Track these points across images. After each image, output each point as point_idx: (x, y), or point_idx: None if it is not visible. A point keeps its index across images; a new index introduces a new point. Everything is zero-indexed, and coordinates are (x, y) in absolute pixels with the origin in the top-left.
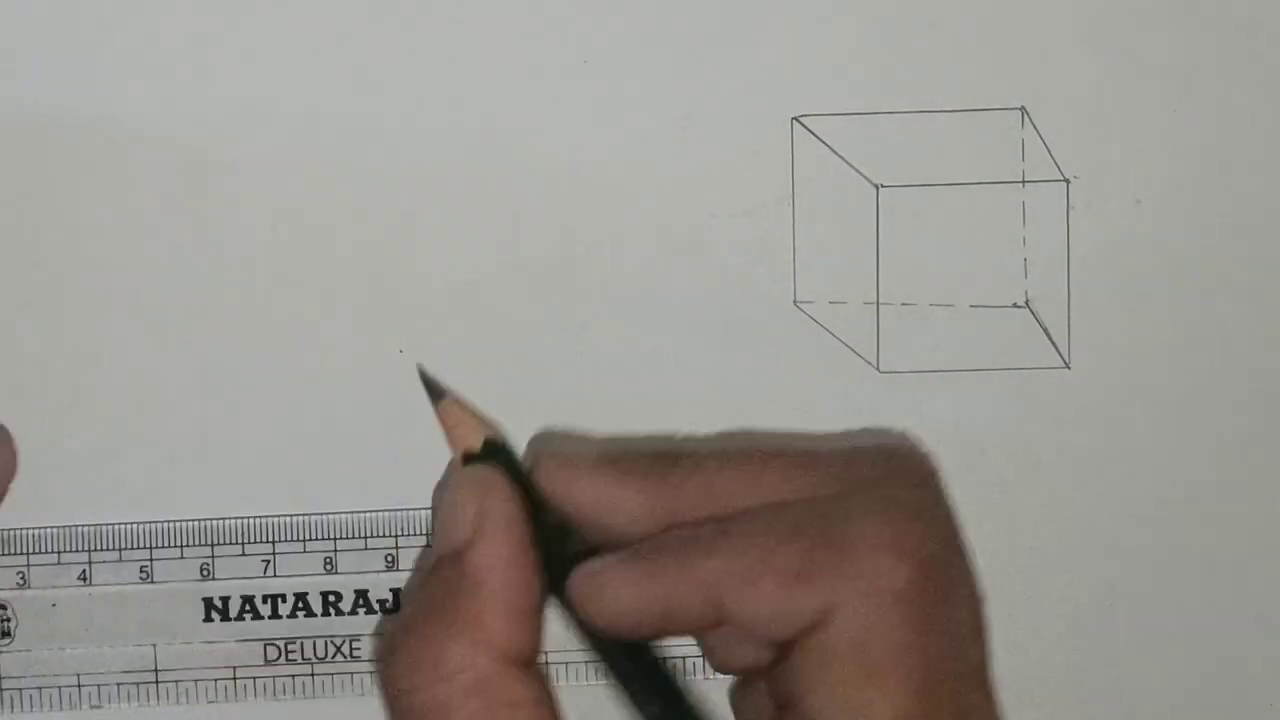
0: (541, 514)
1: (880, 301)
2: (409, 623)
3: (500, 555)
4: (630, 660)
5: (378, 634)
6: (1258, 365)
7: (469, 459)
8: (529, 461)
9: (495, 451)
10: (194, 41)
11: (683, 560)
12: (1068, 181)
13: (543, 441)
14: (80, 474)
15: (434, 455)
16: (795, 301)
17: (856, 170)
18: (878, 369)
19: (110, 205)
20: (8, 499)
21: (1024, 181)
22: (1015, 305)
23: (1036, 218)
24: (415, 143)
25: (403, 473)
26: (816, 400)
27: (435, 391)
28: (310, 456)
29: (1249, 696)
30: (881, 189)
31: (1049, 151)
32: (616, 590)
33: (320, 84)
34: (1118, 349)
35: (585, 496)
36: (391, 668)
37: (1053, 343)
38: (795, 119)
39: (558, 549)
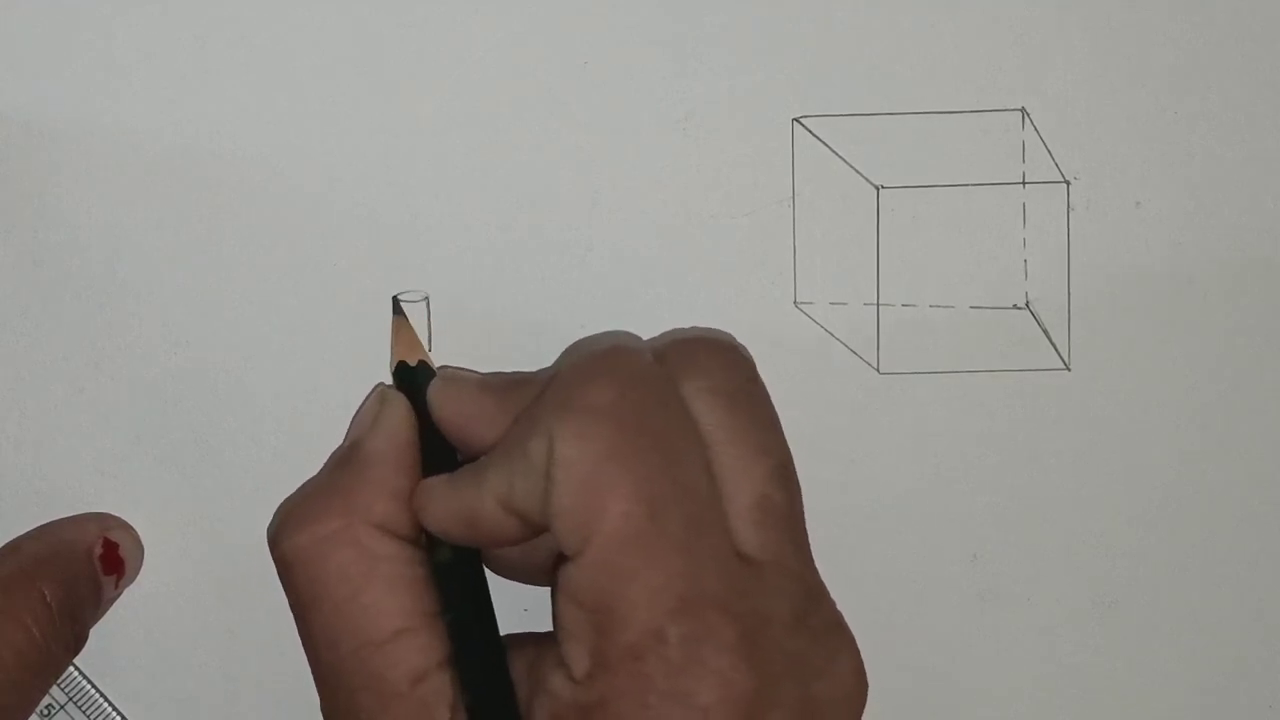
0: (432, 430)
1: (880, 303)
2: (300, 494)
3: (385, 448)
4: (458, 568)
5: None
6: (1257, 366)
7: (400, 370)
8: None
9: (414, 372)
10: (194, 42)
11: (476, 473)
12: (1068, 183)
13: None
14: (81, 473)
15: None
16: (795, 302)
17: (857, 171)
18: (878, 370)
19: (110, 205)
20: (3, 498)
21: (1024, 183)
22: (1015, 307)
23: (1036, 219)
24: (416, 143)
25: None
26: (816, 401)
27: (396, 309)
28: (309, 457)
29: (1249, 696)
30: (882, 190)
31: (1049, 152)
32: (436, 501)
33: (320, 85)
34: (1118, 351)
35: (459, 406)
36: (280, 529)
37: (1053, 344)
38: (796, 120)
39: (442, 463)
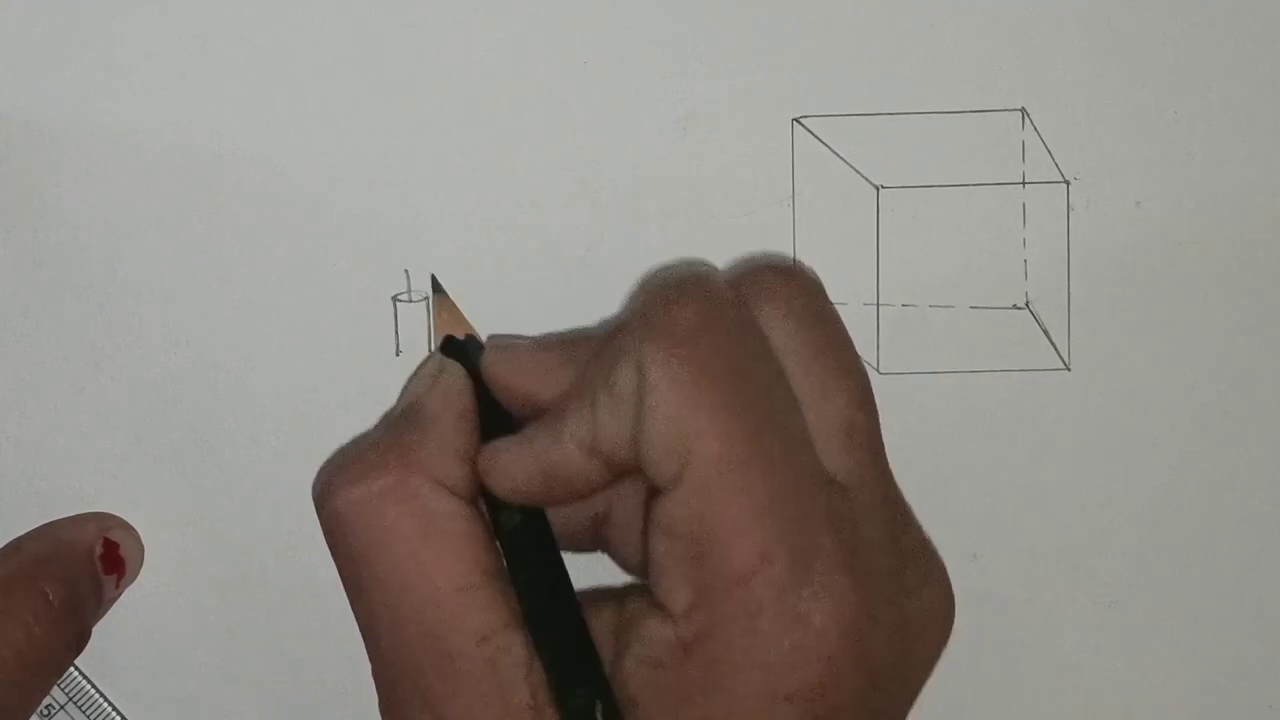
0: (488, 400)
1: (881, 303)
2: (352, 449)
3: (444, 406)
4: (528, 531)
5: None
6: (1257, 365)
7: (447, 344)
8: None
9: (463, 345)
10: (194, 42)
11: (550, 423)
12: (1068, 183)
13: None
14: (81, 473)
15: None
16: None
17: (857, 171)
18: (878, 370)
19: (110, 205)
20: (3, 498)
21: (1024, 183)
22: (1015, 307)
23: (1037, 219)
24: (416, 143)
25: None
26: None
27: (437, 289)
28: (309, 457)
29: (1249, 696)
30: (882, 190)
31: (1049, 152)
32: (506, 459)
33: (320, 85)
34: (1118, 350)
35: (517, 366)
36: (331, 484)
37: (1053, 344)
38: (796, 120)
39: (501, 432)
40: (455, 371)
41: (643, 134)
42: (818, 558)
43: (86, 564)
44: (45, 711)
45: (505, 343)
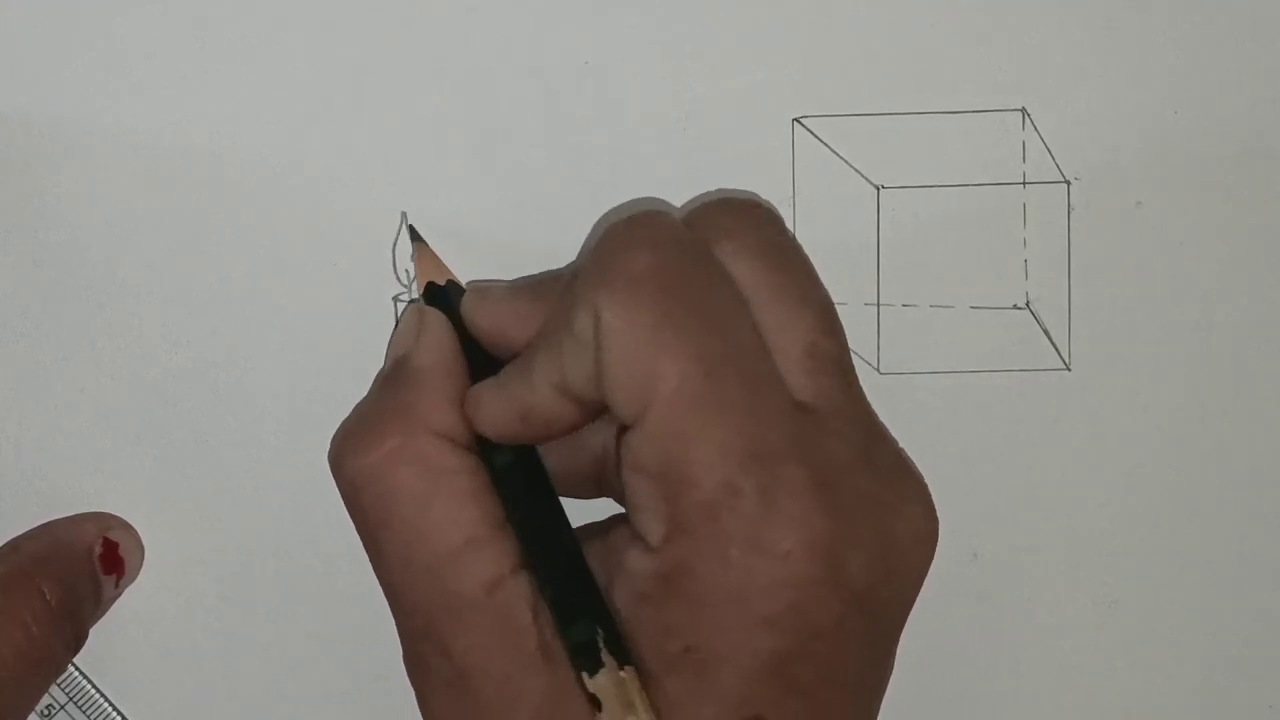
0: (471, 345)
1: (881, 303)
2: (356, 416)
3: (433, 356)
4: (519, 470)
5: None
6: (1257, 366)
7: (430, 291)
8: None
9: (444, 291)
10: (194, 42)
11: (522, 366)
12: (1068, 183)
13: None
14: (80, 473)
15: None
16: None
17: (857, 171)
18: (878, 370)
19: (110, 205)
20: (3, 498)
21: (1025, 183)
22: (1016, 307)
23: (1037, 219)
24: (415, 143)
25: None
26: None
27: (415, 238)
28: (309, 457)
29: (1249, 696)
30: (882, 190)
31: (1049, 153)
32: (487, 402)
33: (320, 85)
34: (1118, 350)
35: (494, 313)
36: (341, 452)
37: (1053, 344)
38: (796, 120)
39: (486, 375)
40: (436, 320)
41: (643, 134)
42: (783, 486)
43: (85, 564)
44: (45, 711)
45: (482, 288)
